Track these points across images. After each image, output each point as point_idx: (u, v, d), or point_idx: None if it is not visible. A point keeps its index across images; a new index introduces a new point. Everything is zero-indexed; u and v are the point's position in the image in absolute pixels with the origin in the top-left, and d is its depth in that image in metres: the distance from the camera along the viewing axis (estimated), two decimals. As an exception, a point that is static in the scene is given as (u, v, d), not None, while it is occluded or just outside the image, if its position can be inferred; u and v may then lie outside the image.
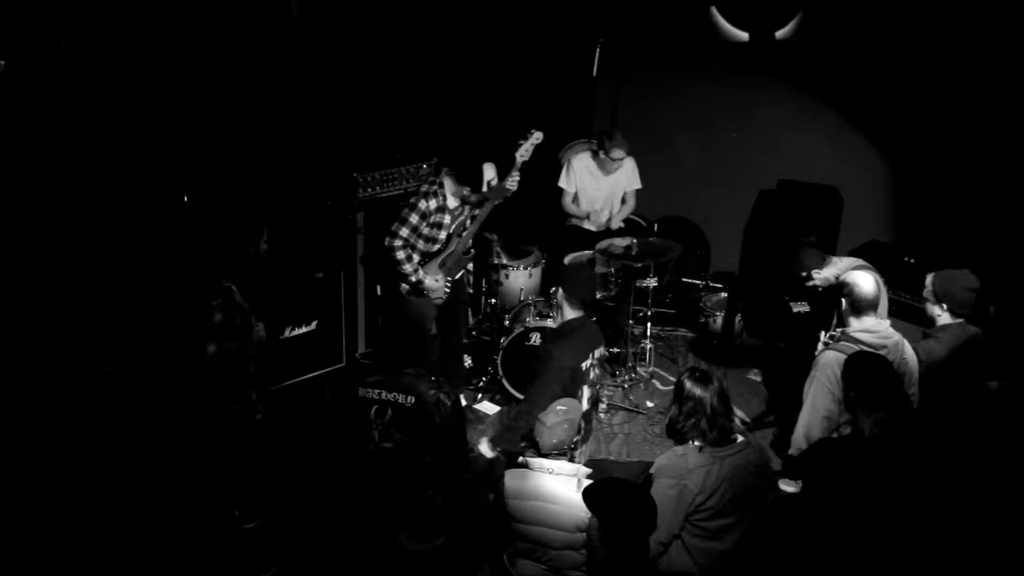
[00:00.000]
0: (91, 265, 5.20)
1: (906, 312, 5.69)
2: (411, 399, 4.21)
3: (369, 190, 6.42)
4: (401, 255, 5.60)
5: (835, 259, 5.40)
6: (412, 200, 5.67)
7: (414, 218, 5.59)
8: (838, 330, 4.76)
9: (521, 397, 6.25)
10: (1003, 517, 3.89)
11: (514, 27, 7.29)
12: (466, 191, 5.63)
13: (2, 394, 4.70)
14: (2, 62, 4.89)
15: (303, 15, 6.33)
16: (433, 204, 5.61)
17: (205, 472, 4.50)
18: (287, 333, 6.04)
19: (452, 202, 5.67)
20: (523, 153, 5.64)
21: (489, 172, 5.66)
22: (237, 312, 4.57)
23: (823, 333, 4.92)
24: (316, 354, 6.26)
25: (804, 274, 5.38)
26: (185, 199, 5.66)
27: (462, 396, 6.11)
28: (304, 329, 6.13)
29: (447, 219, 5.68)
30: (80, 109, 5.19)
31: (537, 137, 5.66)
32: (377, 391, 4.28)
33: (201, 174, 5.75)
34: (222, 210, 5.73)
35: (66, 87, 5.15)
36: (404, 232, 5.59)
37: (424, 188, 5.69)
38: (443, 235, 5.72)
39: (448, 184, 5.64)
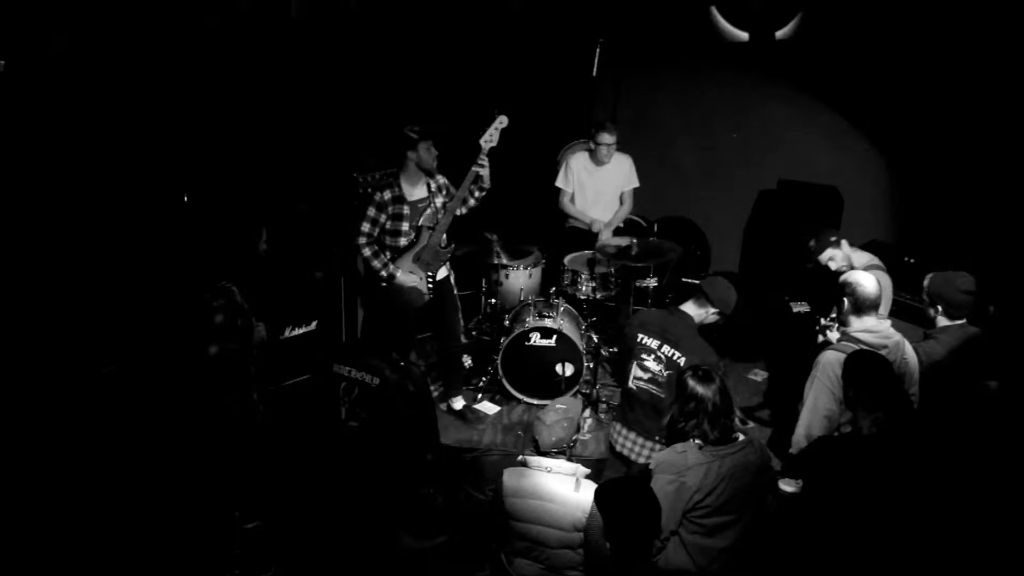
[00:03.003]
0: (91, 266, 5.21)
1: (906, 312, 5.68)
2: (376, 380, 4.20)
3: (369, 190, 6.42)
4: (367, 252, 5.53)
5: (845, 243, 5.36)
6: (370, 195, 5.62)
7: (371, 210, 5.51)
8: (839, 329, 4.75)
9: (521, 397, 6.28)
10: (1003, 517, 3.89)
11: (514, 27, 7.29)
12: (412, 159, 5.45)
13: (3, 394, 4.70)
14: (2, 62, 4.89)
15: (303, 15, 6.33)
16: (388, 195, 5.51)
17: (206, 473, 4.50)
18: (287, 333, 6.04)
19: (412, 193, 5.57)
20: (487, 139, 5.50)
21: (421, 147, 5.48)
22: (238, 313, 4.57)
23: (822, 319, 4.90)
24: (316, 354, 6.26)
25: (819, 255, 5.33)
26: (185, 199, 5.66)
27: (456, 392, 6.14)
28: (304, 329, 6.13)
29: (406, 209, 5.55)
30: (80, 109, 5.20)
31: (501, 121, 5.51)
32: (347, 368, 4.29)
33: (201, 174, 5.75)
34: (222, 210, 5.74)
35: (66, 87, 5.16)
36: (365, 227, 5.51)
37: (380, 182, 5.63)
38: (406, 226, 5.58)
39: (401, 175, 5.55)
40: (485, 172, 5.56)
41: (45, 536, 4.39)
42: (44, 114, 5.08)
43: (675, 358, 4.79)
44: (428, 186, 5.61)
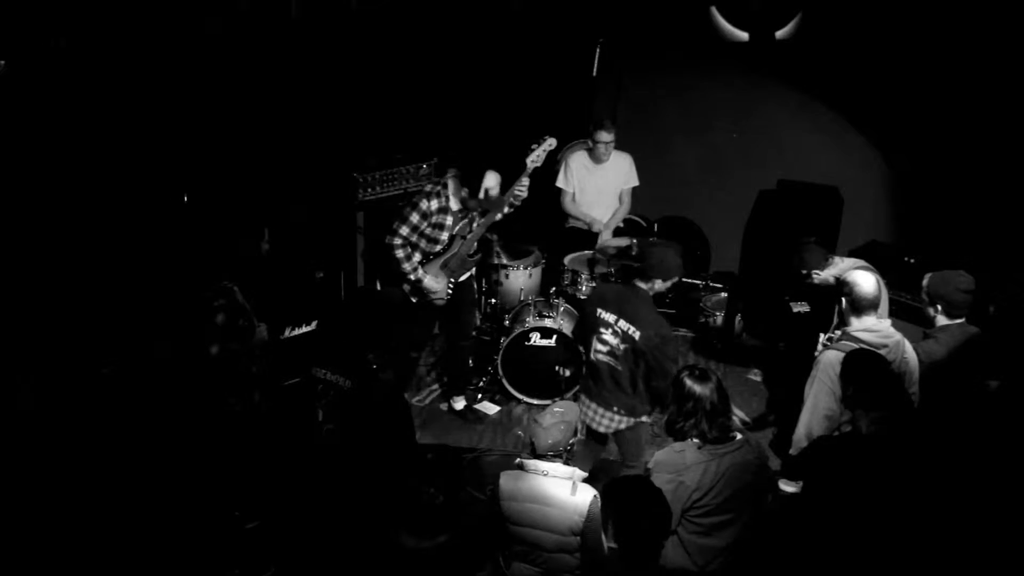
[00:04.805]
0: (92, 266, 5.21)
1: (906, 312, 5.69)
2: (348, 382, 4.22)
3: (369, 190, 6.42)
4: (400, 253, 5.57)
5: (837, 259, 5.41)
6: (415, 199, 5.62)
7: (415, 217, 5.55)
8: (838, 331, 4.76)
9: (521, 397, 6.29)
10: (1002, 517, 3.89)
11: (514, 27, 7.29)
12: (464, 192, 5.59)
13: (4, 394, 4.70)
14: (2, 62, 4.89)
15: (303, 15, 6.34)
16: (435, 204, 5.56)
17: (206, 473, 4.51)
18: (287, 333, 6.04)
19: (455, 204, 5.63)
20: (534, 159, 5.57)
21: (490, 180, 5.58)
22: (240, 313, 4.57)
23: (822, 335, 4.93)
24: (316, 354, 6.26)
25: (805, 272, 5.38)
26: (185, 199, 5.66)
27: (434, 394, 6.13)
28: (304, 329, 6.13)
29: (449, 220, 5.64)
30: (80, 109, 5.20)
31: (550, 144, 5.59)
32: (324, 371, 4.31)
33: (202, 174, 5.76)
34: (223, 210, 5.74)
35: (66, 87, 5.16)
36: (404, 231, 5.56)
37: (428, 188, 5.66)
38: (445, 236, 5.68)
39: (452, 186, 5.60)
40: (525, 192, 5.63)
41: (46, 536, 4.40)
42: (45, 114, 5.08)
43: (630, 332, 4.80)
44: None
